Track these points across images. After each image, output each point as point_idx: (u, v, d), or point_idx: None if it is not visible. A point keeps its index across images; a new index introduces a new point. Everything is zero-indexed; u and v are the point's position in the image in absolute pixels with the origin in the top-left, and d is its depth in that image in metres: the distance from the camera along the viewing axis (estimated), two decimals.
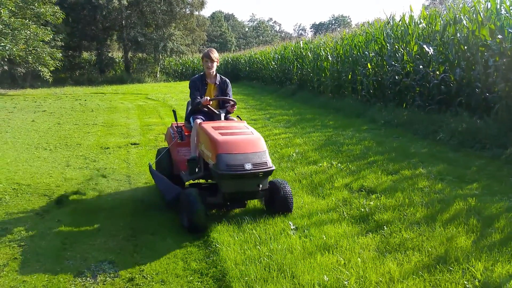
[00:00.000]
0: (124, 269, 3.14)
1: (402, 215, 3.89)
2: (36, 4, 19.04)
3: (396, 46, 10.09)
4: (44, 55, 19.36)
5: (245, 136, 3.93)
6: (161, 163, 4.90)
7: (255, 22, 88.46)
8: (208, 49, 4.70)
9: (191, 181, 4.51)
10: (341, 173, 5.39)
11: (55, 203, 4.57)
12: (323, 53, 14.30)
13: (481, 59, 7.22)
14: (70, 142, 8.00)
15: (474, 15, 7.74)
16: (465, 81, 7.70)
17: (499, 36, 6.71)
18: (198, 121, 4.33)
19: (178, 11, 31.76)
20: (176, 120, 5.21)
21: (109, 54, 32.90)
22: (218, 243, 3.41)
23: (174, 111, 5.35)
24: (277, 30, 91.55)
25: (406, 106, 9.36)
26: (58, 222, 4.04)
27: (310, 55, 15.67)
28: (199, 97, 4.58)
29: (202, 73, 4.74)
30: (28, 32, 18.13)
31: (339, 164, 5.80)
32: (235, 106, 4.66)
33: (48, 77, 20.40)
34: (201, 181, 4.67)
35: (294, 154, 6.56)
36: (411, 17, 10.08)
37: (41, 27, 19.59)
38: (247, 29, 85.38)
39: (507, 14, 6.93)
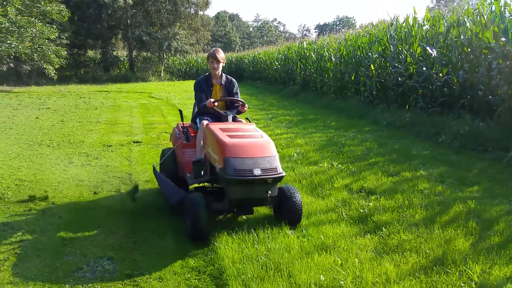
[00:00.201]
0: (122, 266, 3.16)
1: (401, 216, 3.89)
2: (42, 2, 19.19)
3: (399, 48, 10.06)
4: (49, 53, 19.51)
5: (255, 139, 3.75)
6: (165, 165, 4.75)
7: (260, 22, 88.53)
8: (213, 48, 4.53)
9: (196, 185, 4.36)
10: (342, 174, 5.39)
11: (57, 199, 4.60)
12: (327, 54, 14.29)
13: (484, 62, 7.19)
14: (73, 139, 8.05)
15: (478, 18, 7.71)
16: (468, 84, 7.68)
17: (503, 39, 6.69)
18: (205, 122, 4.17)
19: (183, 10, 31.87)
20: (182, 120, 5.06)
21: (114, 53, 33.01)
22: (216, 241, 3.42)
23: (180, 111, 5.20)
24: (282, 30, 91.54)
25: (408, 108, 9.34)
26: (59, 218, 4.07)
27: (313, 56, 15.67)
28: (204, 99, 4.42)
29: (207, 74, 4.59)
30: (34, 30, 18.28)
31: (340, 165, 5.80)
32: (246, 106, 4.44)
33: (53, 74, 20.52)
34: (206, 184, 4.47)
35: (295, 154, 6.57)
36: (414, 19, 10.05)
37: (47, 25, 19.76)
38: (251, 29, 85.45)
39: (511, 17, 6.90)
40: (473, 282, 2.74)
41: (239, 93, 4.65)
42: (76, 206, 4.42)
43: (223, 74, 4.60)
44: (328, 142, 7.40)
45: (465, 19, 8.05)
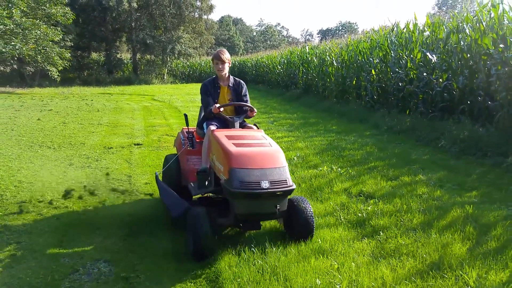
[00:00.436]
0: (119, 268, 3.15)
1: (399, 221, 3.88)
2: (47, 5, 19.34)
3: (400, 53, 10.10)
4: (53, 54, 19.63)
5: (263, 148, 3.45)
6: (168, 172, 4.44)
7: (263, 27, 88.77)
8: (218, 50, 4.26)
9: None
10: (341, 178, 5.39)
11: (55, 201, 4.61)
12: (328, 59, 14.34)
13: (484, 68, 7.21)
14: (74, 141, 8.07)
15: (477, 24, 7.73)
16: (468, 89, 7.69)
17: (501, 45, 6.71)
18: (212, 127, 3.90)
19: (187, 14, 32.05)
20: (187, 124, 4.72)
21: (118, 55, 33.19)
22: None
23: (185, 115, 4.83)
24: (285, 35, 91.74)
25: (409, 113, 9.34)
26: (57, 220, 4.08)
27: (315, 60, 15.72)
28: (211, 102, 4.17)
29: (214, 76, 4.32)
30: (39, 32, 18.41)
31: (339, 169, 5.80)
32: (255, 111, 4.14)
33: (56, 76, 20.63)
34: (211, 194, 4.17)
35: (295, 157, 6.57)
36: (415, 25, 10.09)
37: (51, 27, 19.87)
38: (255, 33, 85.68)
39: (509, 24, 6.92)
40: (469, 287, 2.73)
41: (248, 96, 4.37)
42: (74, 208, 4.43)
43: (230, 75, 4.36)
44: (328, 146, 7.41)
45: (465, 26, 8.08)
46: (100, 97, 18.75)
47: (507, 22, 7.06)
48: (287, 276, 2.89)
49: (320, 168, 5.86)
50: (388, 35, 11.12)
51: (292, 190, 3.26)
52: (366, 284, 2.78)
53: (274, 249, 3.28)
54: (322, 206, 4.37)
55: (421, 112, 8.80)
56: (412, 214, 4.01)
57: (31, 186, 5.10)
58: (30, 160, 6.44)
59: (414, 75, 9.31)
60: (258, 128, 4.20)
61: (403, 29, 10.65)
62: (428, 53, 8.73)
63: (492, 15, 7.44)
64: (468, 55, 7.77)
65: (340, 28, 78.39)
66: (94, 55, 34.04)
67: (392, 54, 10.36)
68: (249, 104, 4.19)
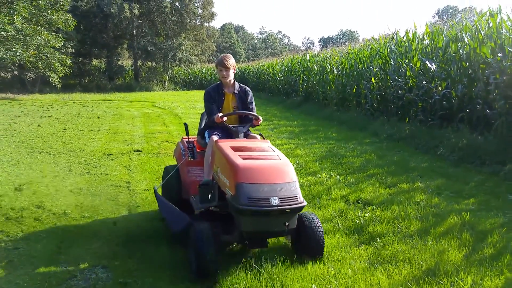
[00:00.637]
0: (116, 274, 3.16)
1: (396, 227, 3.90)
2: (49, 11, 19.48)
3: (400, 62, 10.16)
4: (54, 61, 19.73)
5: (271, 161, 3.24)
6: (168, 185, 4.22)
7: (265, 35, 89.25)
8: (222, 55, 4.02)
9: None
10: (339, 185, 5.40)
11: (54, 207, 4.61)
12: (329, 67, 14.42)
13: (482, 76, 7.25)
14: (73, 147, 8.10)
15: (475, 33, 7.80)
16: (467, 98, 7.73)
17: (499, 54, 6.76)
18: (215, 138, 3.68)
19: (189, 22, 32.30)
20: (187, 134, 4.50)
21: (119, 62, 33.40)
22: None
23: (185, 125, 4.58)
24: (286, 42, 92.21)
25: (408, 121, 9.38)
26: (55, 226, 4.09)
27: (316, 68, 15.82)
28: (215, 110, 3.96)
29: (218, 82, 4.12)
30: (40, 38, 18.51)
31: (338, 176, 5.82)
32: (260, 119, 3.92)
33: (57, 83, 20.72)
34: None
35: (294, 165, 6.57)
36: (414, 33, 10.18)
37: (53, 33, 20.00)
38: (256, 41, 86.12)
39: (507, 33, 6.98)
40: None
41: (254, 103, 4.15)
42: (73, 213, 4.43)
43: (235, 82, 4.13)
44: (328, 153, 7.43)
45: (464, 35, 8.14)
46: (100, 103, 18.83)
47: (505, 31, 7.13)
48: (284, 282, 2.90)
49: (319, 175, 5.88)
50: (388, 44, 11.20)
51: (303, 207, 3.08)
52: None
53: (271, 255, 3.28)
54: (320, 213, 4.38)
55: (420, 120, 8.84)
56: (410, 221, 4.02)
57: (29, 192, 5.10)
58: (30, 166, 6.46)
59: (414, 83, 9.36)
60: (264, 138, 4.02)
61: (403, 37, 10.73)
62: (427, 62, 8.79)
63: (490, 25, 7.50)
64: (467, 64, 7.83)
65: (341, 37, 78.82)
66: (95, 61, 34.24)
67: (392, 63, 10.43)
68: (254, 113, 3.97)
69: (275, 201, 2.93)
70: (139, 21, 30.41)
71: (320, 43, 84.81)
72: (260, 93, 24.35)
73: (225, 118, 3.79)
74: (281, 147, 8.21)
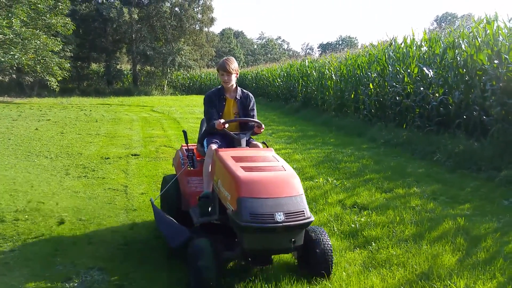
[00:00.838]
0: (113, 276, 3.17)
1: (391, 232, 3.92)
2: (48, 15, 19.51)
3: (397, 68, 10.23)
4: (52, 65, 19.73)
5: (276, 173, 3.01)
6: (166, 196, 4.02)
7: (264, 40, 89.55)
8: (224, 59, 3.80)
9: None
10: (336, 190, 5.42)
11: (51, 210, 4.61)
12: (328, 72, 14.50)
13: (479, 83, 7.30)
14: (71, 151, 8.11)
15: (473, 40, 7.87)
16: (464, 104, 7.77)
17: (496, 61, 6.82)
18: (214, 146, 3.47)
19: (188, 27, 32.39)
20: (186, 142, 4.26)
21: (118, 66, 33.45)
22: None
23: (184, 132, 4.35)
24: (285, 48, 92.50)
25: (405, 127, 9.42)
26: (51, 228, 4.09)
27: (315, 74, 15.91)
28: (215, 117, 3.74)
29: (219, 87, 3.90)
30: (38, 42, 18.53)
31: (335, 181, 5.85)
32: (263, 127, 3.72)
33: (55, 86, 20.74)
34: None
35: None
36: (412, 40, 10.26)
37: (51, 37, 20.02)
38: (255, 46, 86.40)
39: (503, 41, 7.04)
40: None
41: (255, 110, 3.96)
42: (69, 217, 4.43)
43: (238, 87, 3.91)
44: (325, 158, 7.46)
45: (461, 42, 8.21)
46: (99, 107, 18.85)
47: (502, 38, 7.20)
48: (278, 284, 2.91)
49: (316, 180, 5.90)
50: (386, 50, 11.27)
51: (310, 223, 2.88)
52: None
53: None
54: (316, 217, 4.39)
55: (417, 126, 8.88)
56: (405, 226, 4.05)
57: (26, 195, 5.11)
58: (27, 170, 6.47)
59: (411, 90, 9.42)
60: (267, 146, 3.78)
61: (401, 44, 10.81)
62: (425, 68, 8.85)
63: (487, 32, 7.57)
64: (464, 71, 7.88)
65: (341, 43, 79.13)
66: (94, 65, 34.32)
67: (390, 69, 10.50)
68: (257, 120, 3.76)
69: (280, 216, 2.72)
70: (138, 25, 30.48)
71: (319, 49, 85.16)
72: (259, 98, 24.41)
73: (227, 125, 3.57)
74: (279, 152, 8.24)
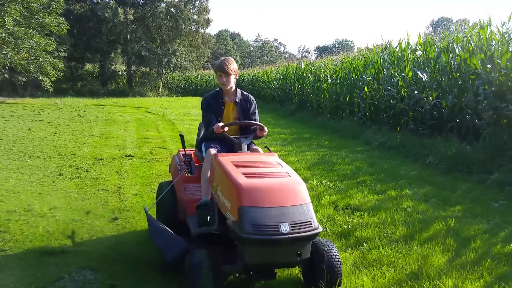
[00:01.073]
0: (105, 277, 3.16)
1: (383, 232, 3.97)
2: (41, 14, 19.36)
3: (392, 72, 10.31)
4: (46, 65, 19.58)
5: (280, 179, 2.80)
6: (162, 204, 3.77)
7: (260, 42, 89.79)
8: (222, 59, 3.57)
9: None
10: (329, 191, 5.46)
11: (43, 210, 4.60)
12: (323, 75, 14.58)
13: (472, 87, 7.38)
14: (64, 151, 8.07)
15: (466, 45, 7.95)
16: (457, 108, 7.85)
17: (489, 66, 6.90)
18: (213, 151, 3.27)
19: (184, 28, 32.37)
20: (183, 146, 4.05)
21: (112, 67, 33.38)
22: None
23: (181, 136, 4.10)
24: (282, 50, 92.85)
25: (399, 130, 9.50)
26: (43, 228, 4.07)
27: (310, 77, 15.98)
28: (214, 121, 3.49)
29: (217, 89, 3.66)
30: (31, 41, 18.37)
31: (329, 183, 5.88)
32: (266, 130, 3.50)
33: (48, 87, 20.59)
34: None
35: None
36: (407, 44, 10.35)
37: (45, 37, 19.87)
38: (252, 49, 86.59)
39: (496, 46, 7.13)
40: None
41: (257, 114, 3.72)
42: (62, 217, 4.42)
43: (237, 89, 3.68)
44: (319, 161, 7.49)
45: (455, 46, 8.30)
46: (93, 108, 18.78)
47: (495, 43, 7.29)
48: (270, 283, 2.93)
49: (310, 182, 5.93)
50: (381, 53, 11.36)
51: (317, 234, 2.66)
52: None
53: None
54: None
55: (411, 129, 8.96)
56: (396, 227, 4.09)
57: (18, 196, 5.08)
58: (19, 170, 6.43)
59: (405, 93, 9.50)
60: (270, 151, 3.57)
61: (396, 47, 10.90)
62: (419, 72, 8.94)
63: (481, 37, 7.66)
64: (458, 75, 7.97)
65: (337, 46, 79.50)
66: (88, 66, 34.19)
67: (385, 72, 10.58)
68: (259, 123, 3.53)
69: (285, 228, 2.50)
70: (133, 26, 30.43)
71: (316, 52, 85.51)
72: (255, 100, 24.47)
73: (226, 129, 3.34)
74: None
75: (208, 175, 3.22)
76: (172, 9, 32.08)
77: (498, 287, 2.90)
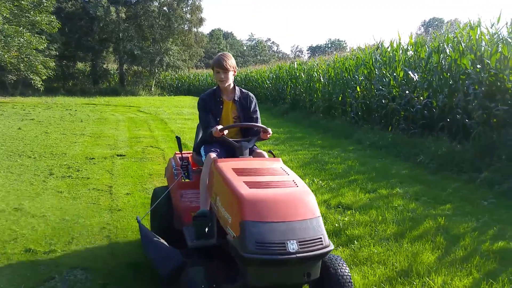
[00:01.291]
0: (96, 276, 3.15)
1: (374, 231, 4.01)
2: (32, 12, 19.14)
3: (384, 71, 10.38)
4: (36, 63, 19.37)
5: (287, 190, 2.50)
6: (157, 212, 3.50)
7: (254, 42, 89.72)
8: (219, 54, 3.32)
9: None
10: (321, 190, 5.49)
11: (33, 210, 4.56)
12: (316, 75, 14.62)
13: (462, 87, 7.46)
14: (55, 151, 8.00)
15: (457, 45, 8.03)
16: (447, 107, 7.93)
17: (478, 66, 6.98)
18: (213, 155, 2.99)
19: (176, 27, 32.18)
20: (180, 149, 3.73)
21: (104, 66, 33.10)
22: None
23: (178, 138, 3.75)
24: (275, 50, 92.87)
25: (391, 129, 9.57)
26: (34, 228, 4.04)
27: (303, 76, 16.01)
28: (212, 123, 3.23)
29: (214, 88, 3.40)
30: (22, 39, 18.16)
31: (321, 182, 5.91)
32: (270, 132, 3.20)
33: (39, 85, 20.37)
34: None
35: None
36: (398, 44, 10.43)
37: (36, 35, 19.65)
38: (245, 48, 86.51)
39: (486, 46, 7.21)
40: None
41: (258, 112, 3.46)
42: (53, 217, 4.39)
43: (236, 87, 3.41)
44: (312, 160, 7.52)
45: (445, 46, 8.38)
46: (84, 107, 18.63)
47: (484, 44, 7.37)
48: None
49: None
50: (373, 53, 11.43)
51: (329, 252, 2.35)
52: None
53: None
54: None
55: (402, 129, 9.03)
56: (387, 225, 4.14)
57: (8, 195, 5.04)
58: (9, 169, 6.37)
59: (397, 93, 9.57)
60: (274, 156, 3.30)
61: (387, 48, 10.98)
62: (410, 72, 9.00)
63: (471, 37, 7.74)
64: (448, 75, 8.04)
65: (330, 45, 79.72)
66: (79, 65, 33.87)
67: (377, 72, 10.65)
68: (261, 124, 3.23)
69: (293, 246, 2.18)
70: (125, 24, 30.19)
71: (309, 52, 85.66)
72: None
73: (226, 131, 3.07)
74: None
75: (207, 182, 2.95)
76: (164, 8, 31.91)
77: (486, 284, 2.95)
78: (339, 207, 4.81)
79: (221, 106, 3.33)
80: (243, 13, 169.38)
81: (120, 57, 31.67)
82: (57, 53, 24.96)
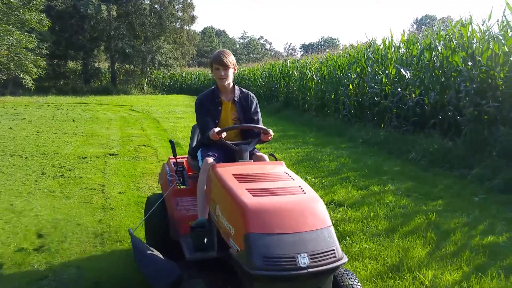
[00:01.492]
0: (89, 274, 3.15)
1: (365, 226, 4.05)
2: (21, 10, 18.91)
3: (376, 69, 10.43)
4: (27, 62, 19.18)
5: (294, 197, 2.27)
6: (151, 221, 3.28)
7: (246, 40, 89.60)
8: (219, 50, 3.12)
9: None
10: (314, 187, 5.40)
11: (26, 210, 4.54)
12: (309, 73, 14.66)
13: (454, 84, 7.52)
14: (47, 150, 7.95)
15: (449, 42, 8.10)
16: (439, 104, 7.99)
17: (470, 63, 7.04)
18: (210, 160, 2.79)
19: (168, 25, 32.06)
20: (174, 154, 3.48)
21: (96, 65, 32.88)
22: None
23: (171, 142, 3.51)
24: (268, 48, 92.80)
25: (383, 127, 9.63)
26: (26, 228, 4.02)
27: (296, 74, 16.03)
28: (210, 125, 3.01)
29: (213, 87, 3.18)
30: (11, 38, 17.95)
31: (313, 179, 5.94)
32: (271, 133, 2.98)
33: (30, 85, 20.18)
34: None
35: None
36: (390, 41, 10.48)
37: (26, 34, 19.44)
38: (238, 46, 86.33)
39: (477, 43, 7.29)
40: (424, 286, 2.93)
41: (259, 113, 3.25)
42: (46, 216, 4.37)
43: (236, 86, 3.21)
44: (305, 157, 7.56)
45: (437, 44, 8.44)
46: (76, 106, 18.49)
47: (476, 41, 7.44)
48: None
49: None
50: (365, 51, 11.48)
51: (342, 265, 2.15)
52: None
53: None
54: None
55: (394, 126, 9.09)
56: (378, 221, 4.18)
57: (1, 195, 5.00)
58: (0, 170, 6.32)
59: (389, 91, 9.62)
60: (276, 159, 3.06)
61: (380, 45, 11.03)
62: (402, 69, 9.07)
63: (462, 34, 7.81)
64: (440, 72, 8.10)
65: (323, 43, 79.81)
66: (71, 63, 33.60)
67: (369, 70, 10.70)
68: (262, 126, 3.01)
69: (304, 260, 1.97)
70: (116, 22, 30.02)
71: (302, 50, 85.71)
72: None
73: (224, 134, 2.86)
74: (259, 151, 8.27)
75: (205, 188, 2.74)
76: (156, 6, 31.74)
77: (476, 277, 3.00)
78: (332, 204, 4.84)
79: (220, 107, 3.12)
80: (235, 11, 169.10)
81: (112, 55, 31.46)
82: (48, 52, 24.78)
